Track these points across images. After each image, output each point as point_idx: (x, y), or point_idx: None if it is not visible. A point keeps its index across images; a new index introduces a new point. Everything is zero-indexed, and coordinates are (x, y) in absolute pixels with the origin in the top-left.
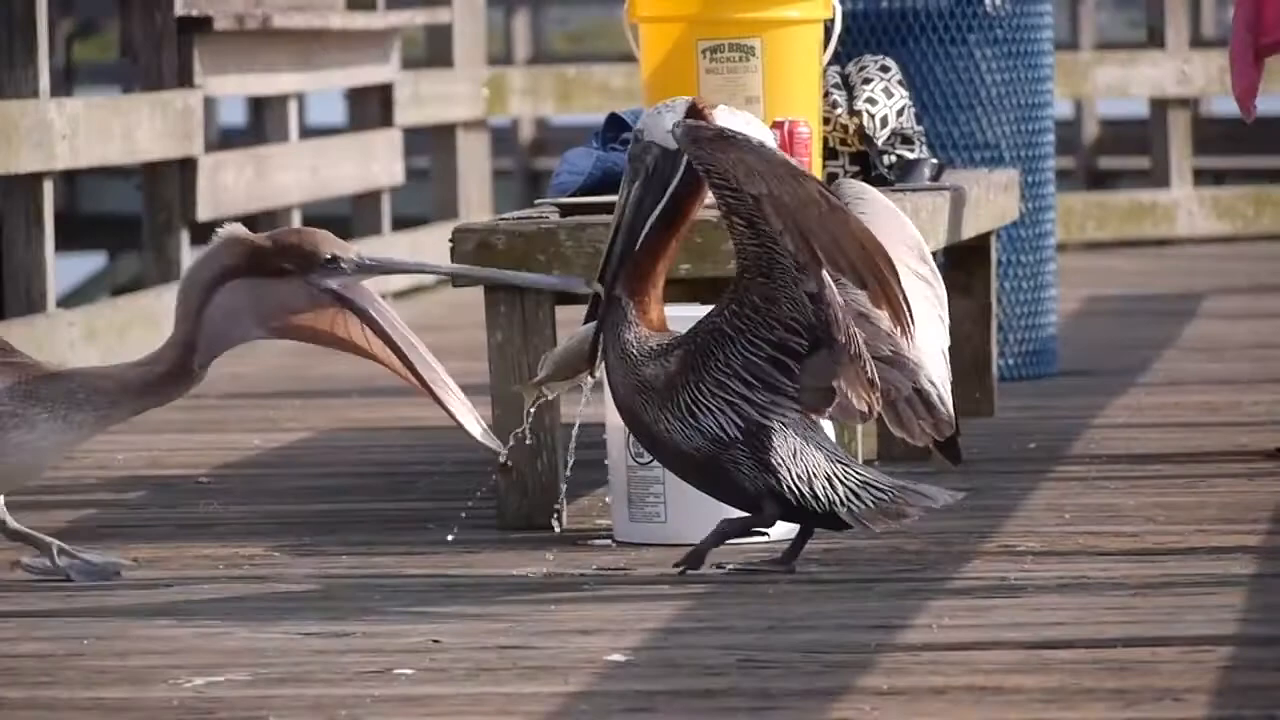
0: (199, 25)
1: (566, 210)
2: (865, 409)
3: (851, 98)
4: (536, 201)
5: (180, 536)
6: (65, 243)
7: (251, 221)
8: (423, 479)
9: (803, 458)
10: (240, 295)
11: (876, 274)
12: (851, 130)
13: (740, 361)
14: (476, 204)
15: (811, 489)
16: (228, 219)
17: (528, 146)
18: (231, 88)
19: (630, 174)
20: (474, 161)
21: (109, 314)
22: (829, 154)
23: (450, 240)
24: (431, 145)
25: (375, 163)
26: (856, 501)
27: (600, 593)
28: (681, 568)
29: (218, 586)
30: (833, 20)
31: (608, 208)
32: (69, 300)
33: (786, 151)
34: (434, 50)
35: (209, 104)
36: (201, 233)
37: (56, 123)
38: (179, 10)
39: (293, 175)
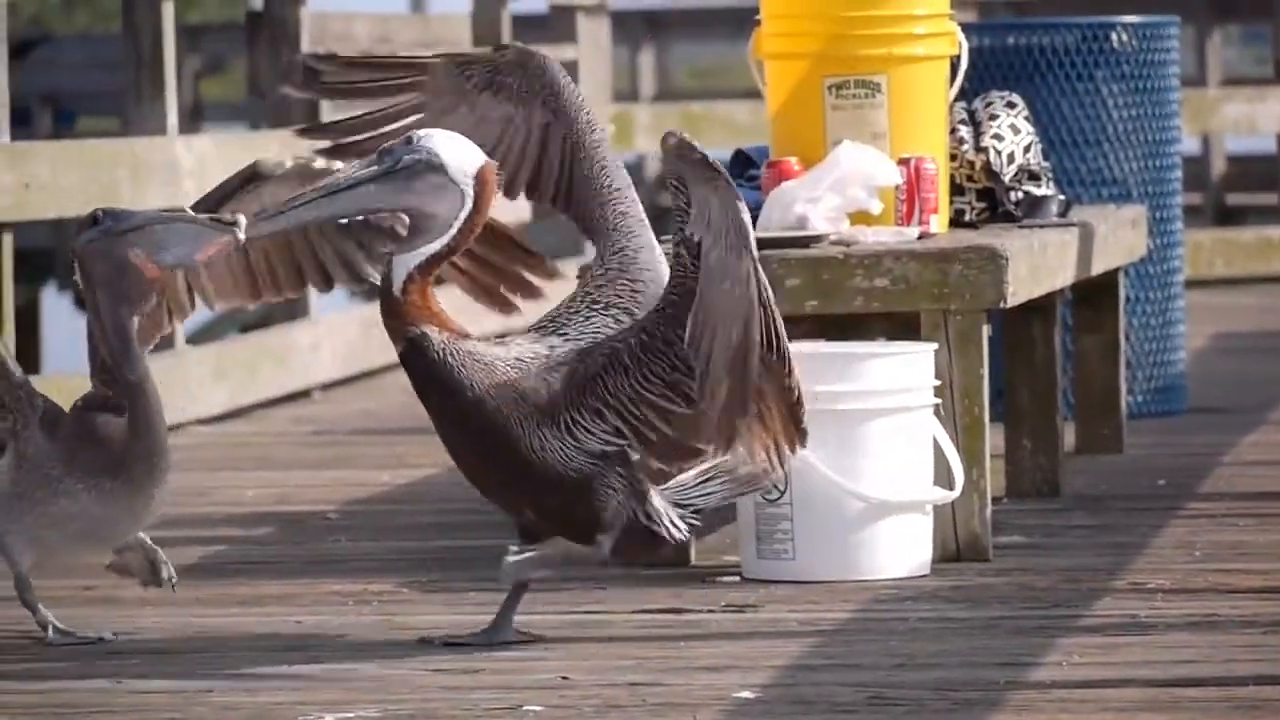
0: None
1: None
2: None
3: (978, 134)
4: (662, 238)
5: (309, 572)
6: None
7: None
8: None
9: (653, 497)
10: (102, 299)
11: (731, 379)
12: (978, 166)
13: (628, 394)
14: None
15: (684, 520)
16: None
17: (654, 183)
18: None
19: (375, 159)
20: None
21: (237, 351)
22: (955, 190)
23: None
24: None
25: (502, 198)
26: (718, 494)
27: (729, 629)
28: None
29: (347, 622)
30: (959, 56)
31: None
32: (197, 337)
33: (913, 189)
34: None
35: None
36: None
37: (184, 160)
38: (305, 48)
39: None
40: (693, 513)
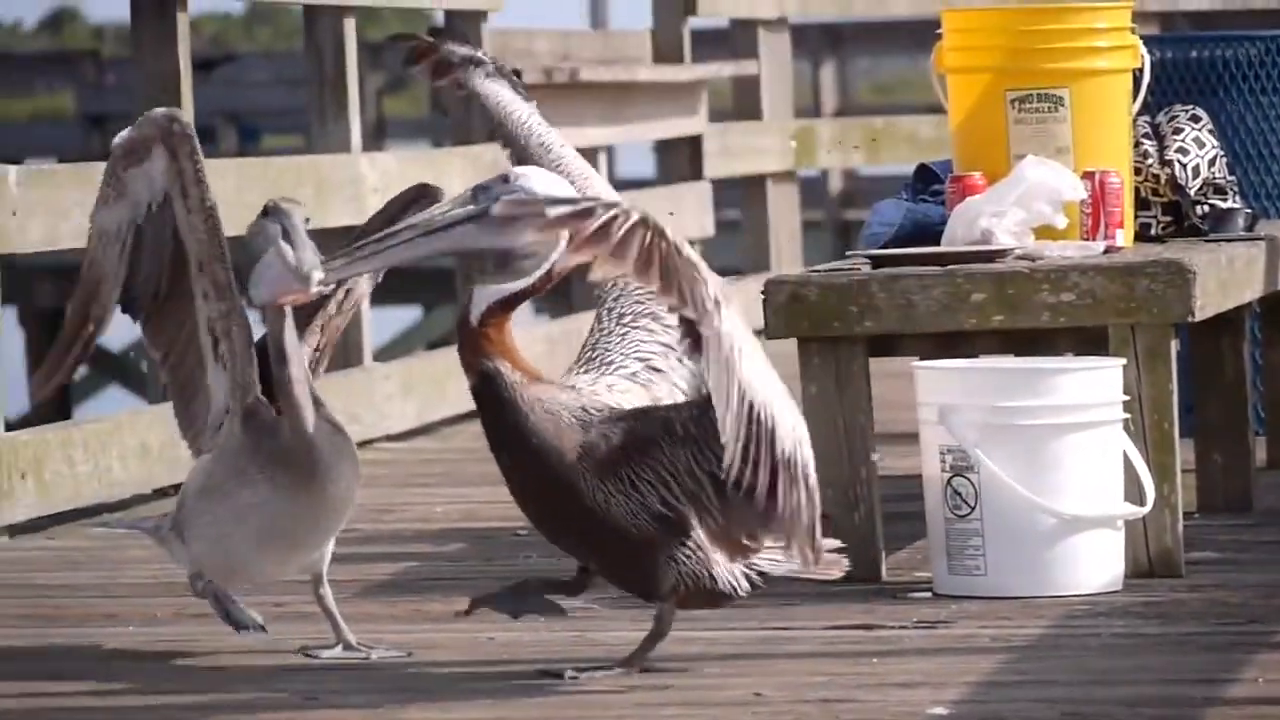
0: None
1: (878, 262)
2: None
3: (1162, 148)
4: (848, 253)
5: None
6: (381, 296)
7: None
8: None
9: (720, 559)
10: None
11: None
12: (1163, 180)
13: (684, 465)
14: (787, 256)
15: (747, 579)
16: None
17: (837, 198)
18: None
19: (470, 196)
20: (784, 213)
21: (424, 367)
22: (1140, 204)
23: (763, 292)
24: (741, 197)
25: (685, 215)
26: (787, 565)
27: (920, 645)
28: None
29: (540, 638)
30: (1141, 70)
31: (920, 259)
32: (385, 353)
33: (1098, 203)
34: (742, 102)
35: None
36: None
37: (368, 177)
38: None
39: None
40: (758, 573)
